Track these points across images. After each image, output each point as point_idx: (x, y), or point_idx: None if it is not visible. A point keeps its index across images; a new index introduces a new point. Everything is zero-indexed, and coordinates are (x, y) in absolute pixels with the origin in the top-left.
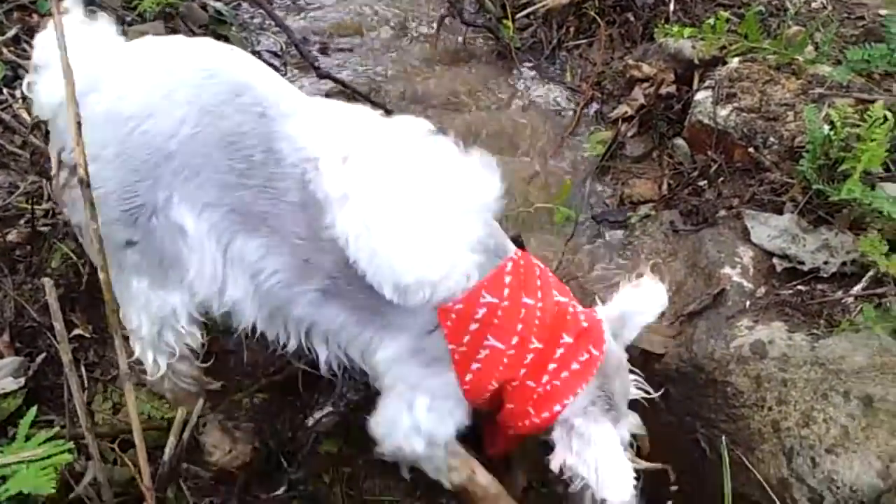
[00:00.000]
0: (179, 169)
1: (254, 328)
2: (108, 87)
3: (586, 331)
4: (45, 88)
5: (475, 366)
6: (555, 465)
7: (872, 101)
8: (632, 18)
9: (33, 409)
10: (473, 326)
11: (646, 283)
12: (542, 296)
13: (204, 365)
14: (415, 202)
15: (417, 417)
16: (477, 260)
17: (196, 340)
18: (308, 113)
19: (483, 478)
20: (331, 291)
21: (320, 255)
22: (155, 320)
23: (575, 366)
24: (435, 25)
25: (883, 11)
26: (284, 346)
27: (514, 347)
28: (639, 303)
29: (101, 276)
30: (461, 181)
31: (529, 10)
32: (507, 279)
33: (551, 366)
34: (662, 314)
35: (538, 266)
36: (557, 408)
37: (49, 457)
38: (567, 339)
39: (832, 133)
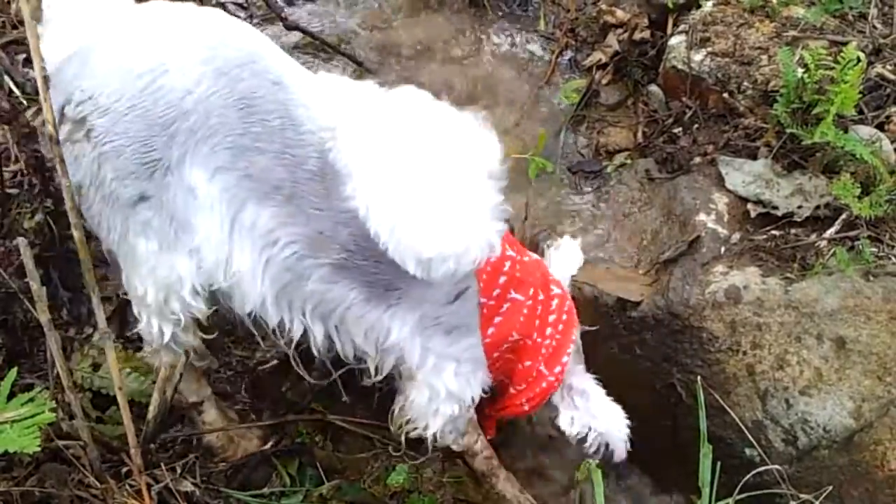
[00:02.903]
0: (195, 128)
1: (256, 311)
2: (120, 42)
3: (559, 283)
4: (47, 42)
5: (497, 319)
6: (565, 422)
7: (846, 43)
8: None
9: (14, 370)
10: (502, 280)
11: (565, 243)
12: (519, 249)
13: (208, 336)
14: (434, 173)
15: (447, 383)
16: (498, 227)
17: (202, 312)
18: (317, 84)
19: (483, 441)
20: (345, 266)
21: (337, 227)
22: (161, 287)
23: (564, 317)
24: None
25: None
26: (283, 331)
27: (531, 298)
28: (563, 262)
29: (75, 234)
30: (471, 149)
31: None
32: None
33: (551, 317)
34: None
35: None
36: (565, 359)
37: (33, 416)
38: (556, 290)
39: (806, 76)
